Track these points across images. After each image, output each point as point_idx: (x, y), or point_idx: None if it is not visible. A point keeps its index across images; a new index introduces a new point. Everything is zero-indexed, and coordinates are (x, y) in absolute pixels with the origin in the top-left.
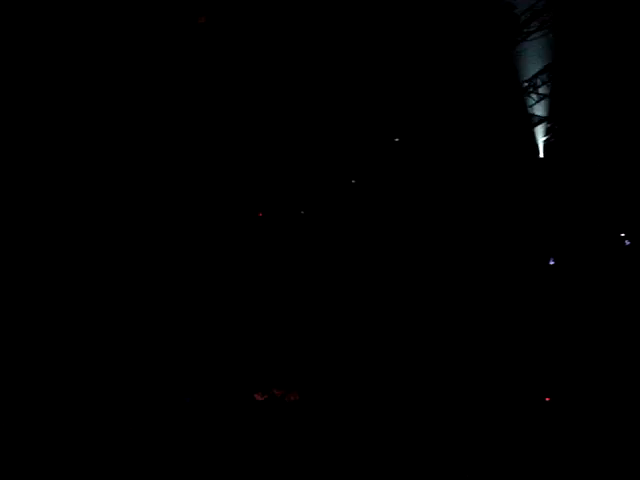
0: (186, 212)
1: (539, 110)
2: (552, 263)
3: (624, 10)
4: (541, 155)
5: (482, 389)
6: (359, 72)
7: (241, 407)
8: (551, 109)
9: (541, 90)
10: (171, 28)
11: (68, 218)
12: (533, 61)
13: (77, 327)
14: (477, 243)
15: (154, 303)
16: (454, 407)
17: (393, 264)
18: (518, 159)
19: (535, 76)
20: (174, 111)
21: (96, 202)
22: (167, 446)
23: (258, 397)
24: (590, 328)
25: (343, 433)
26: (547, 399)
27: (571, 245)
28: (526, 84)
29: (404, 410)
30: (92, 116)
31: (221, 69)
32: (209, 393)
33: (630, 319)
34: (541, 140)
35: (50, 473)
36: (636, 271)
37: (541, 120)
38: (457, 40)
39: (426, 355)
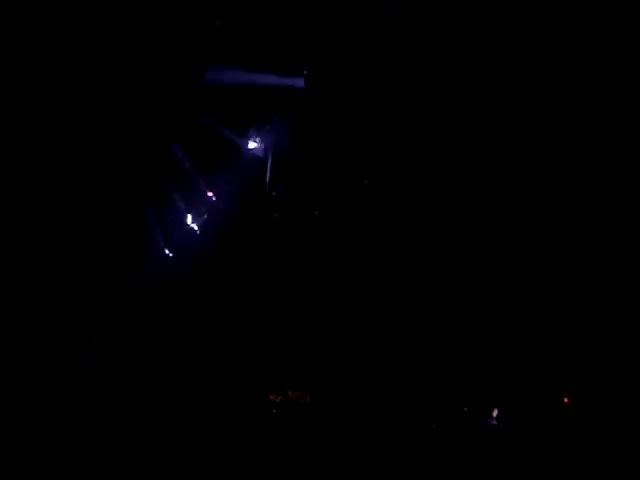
0: (203, 212)
1: None
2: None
3: None
4: None
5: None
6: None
7: (256, 408)
8: None
9: None
10: (187, 30)
11: (68, 218)
12: None
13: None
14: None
15: (169, 303)
16: (465, 407)
17: (405, 265)
18: None
19: None
20: (191, 111)
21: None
22: (180, 446)
23: (273, 398)
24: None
25: (356, 435)
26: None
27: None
28: None
29: (417, 412)
30: (103, 119)
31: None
32: (224, 394)
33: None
34: None
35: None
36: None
37: None
38: None
39: (438, 355)
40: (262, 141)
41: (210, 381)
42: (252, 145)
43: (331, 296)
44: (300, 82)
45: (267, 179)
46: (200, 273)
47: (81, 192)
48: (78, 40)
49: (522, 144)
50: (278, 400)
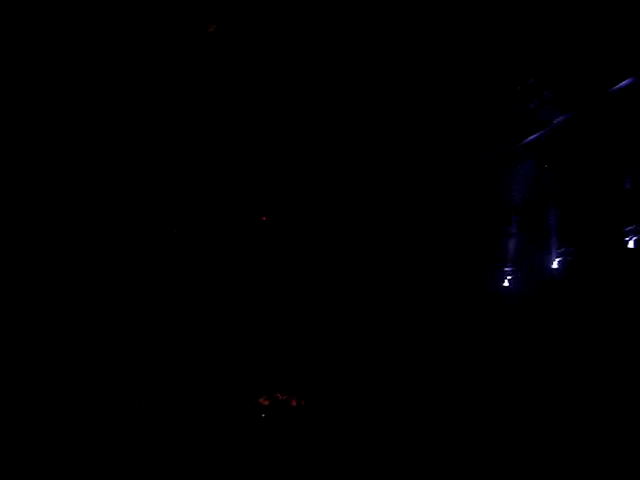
0: (187, 215)
1: None
2: None
3: None
4: None
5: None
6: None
7: (245, 411)
8: None
9: None
10: (181, 36)
11: (68, 219)
12: None
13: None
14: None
15: (156, 308)
16: (458, 412)
17: (397, 268)
18: None
19: None
20: (181, 117)
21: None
22: (169, 450)
23: (263, 401)
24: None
25: (347, 438)
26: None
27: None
28: None
29: (407, 415)
30: (99, 125)
31: (231, 77)
32: (213, 397)
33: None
34: None
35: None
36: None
37: None
38: None
39: (429, 358)
40: None
41: (196, 384)
42: None
43: (320, 298)
44: None
45: None
46: (186, 276)
47: None
48: (70, 48)
49: None
50: (267, 403)
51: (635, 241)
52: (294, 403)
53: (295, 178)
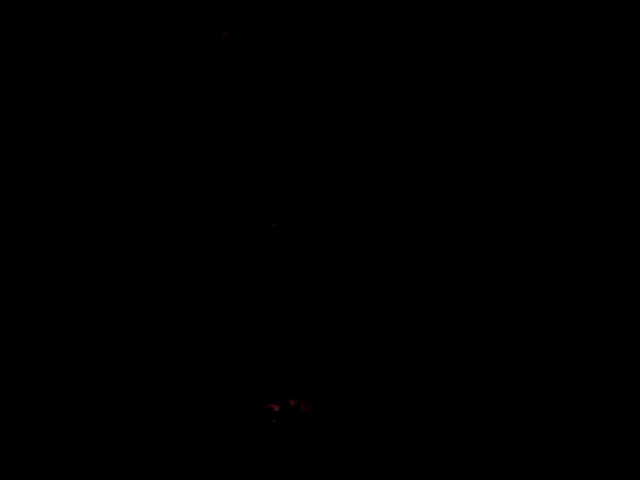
0: (195, 222)
1: None
2: None
3: None
4: None
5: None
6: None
7: (256, 417)
8: None
9: None
10: (195, 42)
11: (68, 219)
12: None
13: (76, 328)
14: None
15: (164, 313)
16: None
17: (405, 272)
18: None
19: None
20: (194, 123)
21: (96, 208)
22: (177, 455)
23: (276, 407)
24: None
25: (360, 445)
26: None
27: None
28: None
29: (418, 420)
30: (106, 128)
31: (244, 83)
32: (223, 402)
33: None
34: None
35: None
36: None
37: None
38: None
39: (438, 362)
40: None
41: (206, 389)
42: None
43: (332, 304)
44: None
45: None
46: (199, 285)
47: None
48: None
49: None
50: (278, 409)
51: None
52: (305, 409)
53: (305, 184)
